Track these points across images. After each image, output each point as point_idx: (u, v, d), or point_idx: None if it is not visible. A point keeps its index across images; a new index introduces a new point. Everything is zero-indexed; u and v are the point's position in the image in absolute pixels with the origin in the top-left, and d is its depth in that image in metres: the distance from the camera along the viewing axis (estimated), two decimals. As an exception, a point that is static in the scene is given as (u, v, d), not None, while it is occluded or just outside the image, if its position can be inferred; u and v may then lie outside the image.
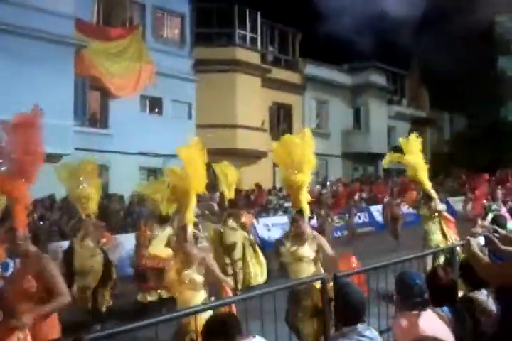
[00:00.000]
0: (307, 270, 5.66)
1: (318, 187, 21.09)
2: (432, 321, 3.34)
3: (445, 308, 3.65)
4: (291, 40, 26.20)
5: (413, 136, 8.68)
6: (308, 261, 5.73)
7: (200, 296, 5.03)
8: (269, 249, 13.44)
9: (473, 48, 31.14)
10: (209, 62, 21.18)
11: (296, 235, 5.90)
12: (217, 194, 18.85)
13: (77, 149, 16.20)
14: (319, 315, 4.98)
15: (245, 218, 9.97)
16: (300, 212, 6.00)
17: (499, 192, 11.61)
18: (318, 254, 5.75)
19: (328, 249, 5.77)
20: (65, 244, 9.08)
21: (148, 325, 3.33)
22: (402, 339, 3.29)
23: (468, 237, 3.73)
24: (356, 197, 17.59)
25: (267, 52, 24.96)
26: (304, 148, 6.01)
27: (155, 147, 18.43)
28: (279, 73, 24.39)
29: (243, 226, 9.75)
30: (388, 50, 28.32)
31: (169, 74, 19.89)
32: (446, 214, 8.91)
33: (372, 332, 3.40)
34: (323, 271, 5.61)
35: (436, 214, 8.55)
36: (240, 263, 9.29)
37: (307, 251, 5.72)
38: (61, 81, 15.88)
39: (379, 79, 29.70)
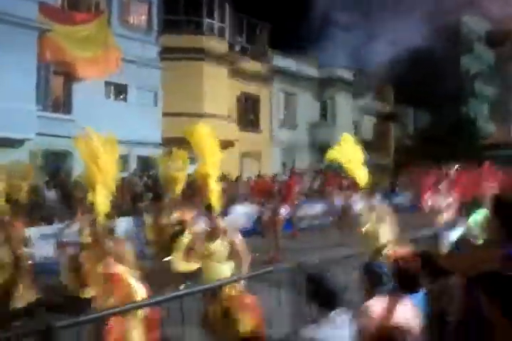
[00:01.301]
0: (218, 268, 5.46)
1: (284, 177, 21.15)
2: (406, 308, 3.39)
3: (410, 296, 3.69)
4: (259, 31, 26.12)
5: (346, 135, 8.74)
6: (219, 258, 5.48)
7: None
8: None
9: (439, 47, 31.63)
10: (176, 50, 20.92)
11: (208, 231, 5.71)
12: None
13: (39, 134, 15.86)
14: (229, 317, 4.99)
15: (182, 214, 9.09)
16: (209, 206, 5.76)
17: (443, 184, 11.23)
18: (231, 251, 5.49)
19: (240, 247, 5.47)
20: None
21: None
22: (373, 326, 3.32)
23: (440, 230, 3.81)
24: (296, 189, 16.48)
25: (235, 43, 24.82)
26: (208, 140, 5.86)
27: (119, 134, 17.91)
28: (246, 64, 24.32)
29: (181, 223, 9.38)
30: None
31: (135, 61, 19.59)
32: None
33: (345, 319, 3.46)
34: (236, 270, 5.40)
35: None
36: None
37: (218, 247, 5.49)
38: (23, 65, 15.43)
39: (346, 73, 29.93)
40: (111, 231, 5.33)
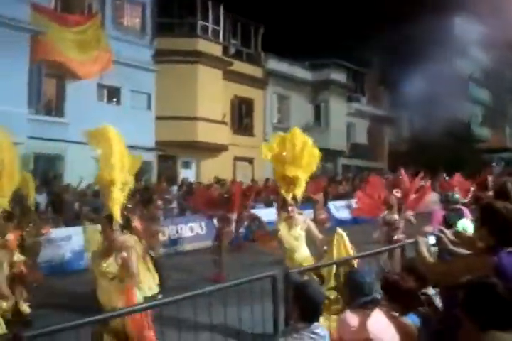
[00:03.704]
0: (109, 289, 4.91)
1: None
2: (379, 321, 3.34)
3: (412, 316, 3.59)
4: (253, 33, 26.11)
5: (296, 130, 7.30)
6: (112, 277, 4.92)
7: None
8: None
9: (433, 49, 31.62)
10: (170, 53, 20.89)
11: (105, 246, 5.13)
12: (175, 187, 18.75)
13: (30, 138, 15.76)
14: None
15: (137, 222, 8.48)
16: (108, 217, 5.15)
17: (393, 198, 9.35)
18: (123, 269, 4.93)
19: (131, 267, 4.89)
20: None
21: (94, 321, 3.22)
22: (348, 338, 3.29)
23: (417, 236, 3.75)
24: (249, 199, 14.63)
25: (229, 45, 24.81)
26: (117, 142, 5.45)
27: (112, 137, 18.01)
28: (241, 66, 24.29)
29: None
30: (349, 47, 28.53)
31: (129, 64, 19.54)
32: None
33: (323, 331, 3.41)
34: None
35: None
36: None
37: (111, 265, 4.93)
38: (15, 67, 15.36)
39: (339, 76, 29.97)
40: None
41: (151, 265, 8.55)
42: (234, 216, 11.96)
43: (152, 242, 10.16)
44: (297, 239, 6.78)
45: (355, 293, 3.45)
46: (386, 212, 9.09)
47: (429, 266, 3.48)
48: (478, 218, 3.44)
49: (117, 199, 5.19)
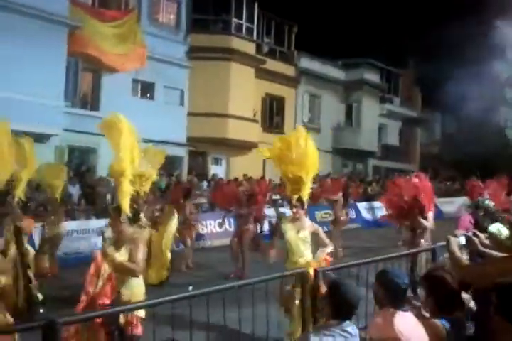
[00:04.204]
0: (123, 282, 4.91)
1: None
2: (408, 321, 3.30)
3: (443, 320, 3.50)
4: (287, 32, 26.06)
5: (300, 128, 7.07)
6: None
7: None
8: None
9: (470, 51, 31.04)
10: (204, 50, 21.02)
11: (114, 238, 5.11)
12: (205, 183, 18.85)
13: (66, 130, 16.05)
14: None
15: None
16: (117, 208, 5.14)
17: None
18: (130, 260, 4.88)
19: (137, 262, 4.82)
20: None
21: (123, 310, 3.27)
22: (376, 336, 3.27)
23: (448, 236, 3.68)
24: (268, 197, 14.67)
25: (263, 43, 24.82)
26: (128, 134, 5.39)
27: (145, 132, 18.05)
28: (273, 65, 24.27)
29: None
30: (384, 47, 28.30)
31: (163, 60, 19.75)
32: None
33: (354, 329, 3.38)
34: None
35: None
36: None
37: (122, 256, 4.88)
38: (53, 61, 15.65)
39: (373, 76, 29.67)
40: None
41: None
42: (253, 213, 11.78)
43: (186, 235, 10.48)
44: (305, 243, 6.52)
45: (390, 293, 3.37)
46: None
47: (462, 267, 3.42)
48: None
49: (127, 192, 5.15)
